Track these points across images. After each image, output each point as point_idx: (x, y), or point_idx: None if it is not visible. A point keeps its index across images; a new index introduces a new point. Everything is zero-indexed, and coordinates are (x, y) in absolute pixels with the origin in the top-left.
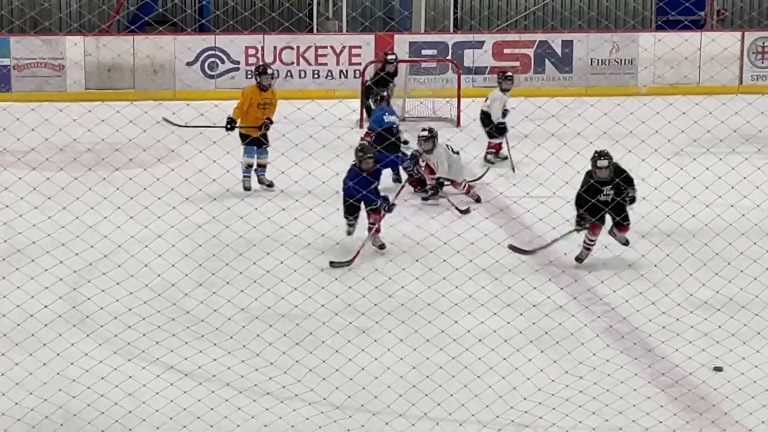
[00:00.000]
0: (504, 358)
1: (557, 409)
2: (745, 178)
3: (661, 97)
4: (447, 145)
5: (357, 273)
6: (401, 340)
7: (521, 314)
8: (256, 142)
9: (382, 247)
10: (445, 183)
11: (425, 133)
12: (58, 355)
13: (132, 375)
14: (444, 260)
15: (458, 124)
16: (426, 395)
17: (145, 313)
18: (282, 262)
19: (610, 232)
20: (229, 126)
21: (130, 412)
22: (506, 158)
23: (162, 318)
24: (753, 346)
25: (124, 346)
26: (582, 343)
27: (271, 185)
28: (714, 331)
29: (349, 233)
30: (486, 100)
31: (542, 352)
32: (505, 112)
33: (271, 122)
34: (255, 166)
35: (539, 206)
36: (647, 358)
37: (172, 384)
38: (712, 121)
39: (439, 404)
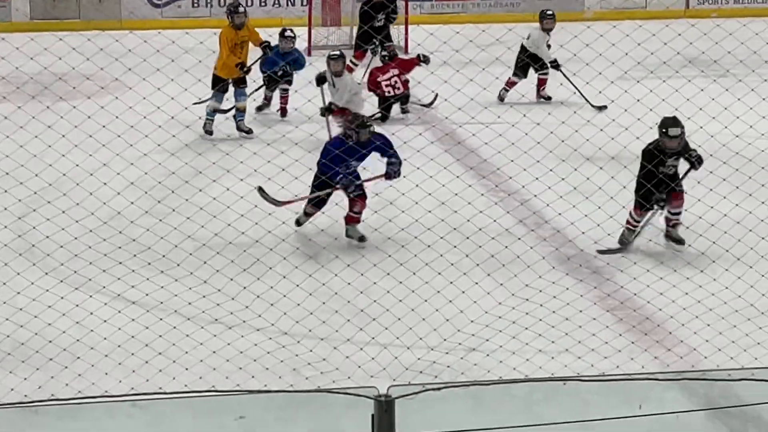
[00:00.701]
0: (451, 282)
1: (504, 331)
2: (688, 100)
3: (607, 21)
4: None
5: None
6: (348, 266)
7: (467, 238)
8: (239, 81)
9: (362, 239)
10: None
11: (336, 53)
12: (4, 284)
13: (79, 304)
14: (390, 185)
15: (406, 51)
16: (373, 320)
17: (91, 241)
18: (228, 189)
19: (666, 236)
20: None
21: (77, 340)
22: (550, 98)
23: (109, 246)
24: (697, 266)
25: (71, 275)
26: (528, 266)
27: (250, 132)
28: (658, 252)
29: (299, 223)
30: (527, 38)
31: (489, 275)
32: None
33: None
34: (233, 112)
35: (484, 130)
36: (593, 279)
37: (119, 312)
38: (657, 44)
39: (386, 329)
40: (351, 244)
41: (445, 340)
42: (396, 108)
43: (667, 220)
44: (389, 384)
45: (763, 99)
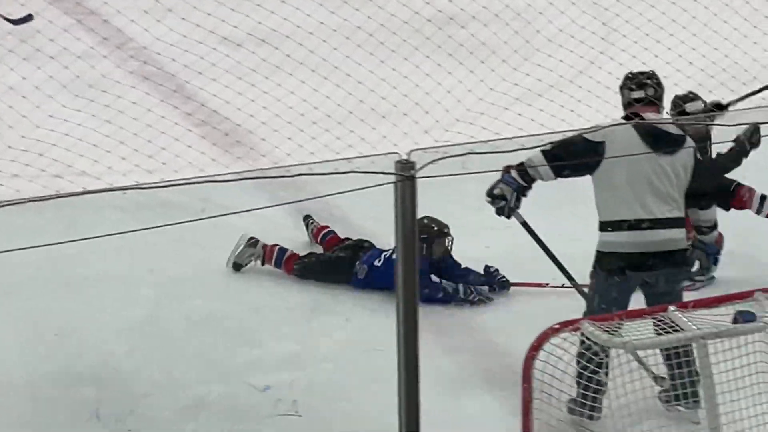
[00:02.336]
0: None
1: (87, 155)
2: None
3: None
4: None
5: None
6: None
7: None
8: None
9: None
10: None
11: None
12: None
13: None
14: None
15: None
16: None
17: None
18: None
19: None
20: None
21: None
22: None
23: None
24: (274, 79)
25: None
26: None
27: None
28: (237, 66)
29: None
30: None
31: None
32: None
33: None
34: None
35: None
36: (178, 98)
37: None
38: None
39: None
40: None
41: (27, 165)
42: None
43: None
44: None
45: None
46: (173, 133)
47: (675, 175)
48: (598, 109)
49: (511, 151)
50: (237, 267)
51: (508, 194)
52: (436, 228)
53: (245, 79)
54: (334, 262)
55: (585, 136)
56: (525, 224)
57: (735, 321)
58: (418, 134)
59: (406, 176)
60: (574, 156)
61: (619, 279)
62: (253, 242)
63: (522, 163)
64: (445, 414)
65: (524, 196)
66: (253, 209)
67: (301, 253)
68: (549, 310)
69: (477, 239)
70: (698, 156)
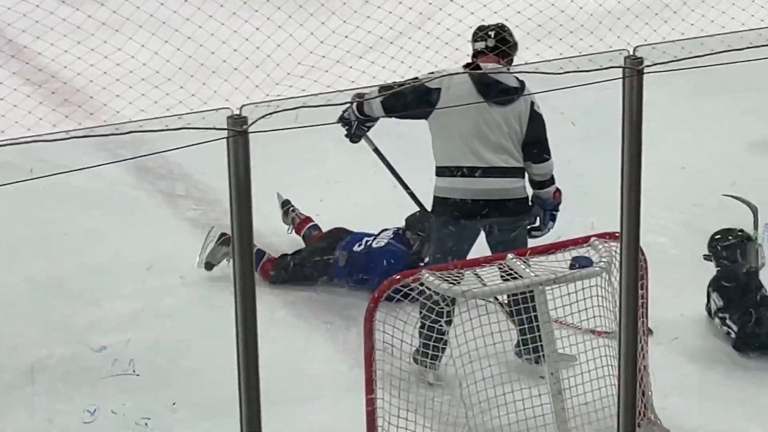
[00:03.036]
0: None
1: None
2: None
3: None
4: None
5: None
6: None
7: None
8: None
9: None
10: None
11: None
12: None
13: None
14: None
15: None
16: None
17: None
18: None
19: None
20: None
21: None
22: None
23: None
24: (101, 36)
25: None
26: None
27: None
28: (62, 24)
29: None
30: None
31: None
32: None
33: None
34: None
35: None
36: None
37: None
38: None
39: None
40: None
41: None
42: None
43: None
44: None
45: None
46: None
47: (507, 126)
48: (432, 62)
49: (343, 104)
50: (209, 267)
51: (352, 120)
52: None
53: (71, 37)
54: (313, 257)
55: (423, 81)
56: (376, 150)
57: (572, 267)
58: (249, 89)
59: (238, 131)
60: (408, 98)
61: (453, 227)
62: (225, 239)
63: (362, 95)
64: (287, 368)
65: (366, 127)
66: (87, 167)
67: (276, 256)
68: None
69: (311, 192)
70: (536, 108)
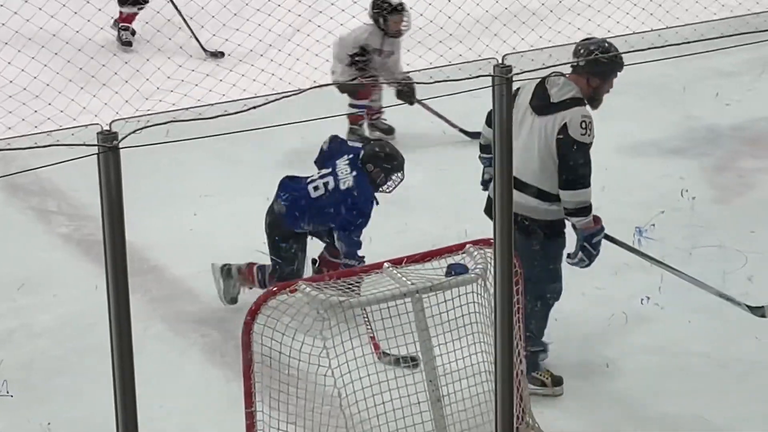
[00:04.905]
0: None
1: None
2: None
3: None
4: None
5: None
6: None
7: None
8: None
9: None
10: None
11: None
12: None
13: None
14: None
15: None
16: None
17: None
18: None
19: None
20: None
21: None
22: None
23: None
24: None
25: None
26: None
27: None
28: None
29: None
30: None
31: None
32: None
33: None
34: None
35: None
36: None
37: None
38: None
39: None
40: None
41: None
42: None
43: None
44: None
45: None
46: None
47: (541, 138)
48: (302, 74)
49: (213, 117)
50: (233, 301)
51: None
52: (396, 160)
53: None
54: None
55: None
56: None
57: (448, 274)
58: (118, 105)
59: (108, 147)
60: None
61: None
62: (226, 270)
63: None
64: (165, 384)
65: None
66: None
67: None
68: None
69: (183, 206)
70: (570, 131)
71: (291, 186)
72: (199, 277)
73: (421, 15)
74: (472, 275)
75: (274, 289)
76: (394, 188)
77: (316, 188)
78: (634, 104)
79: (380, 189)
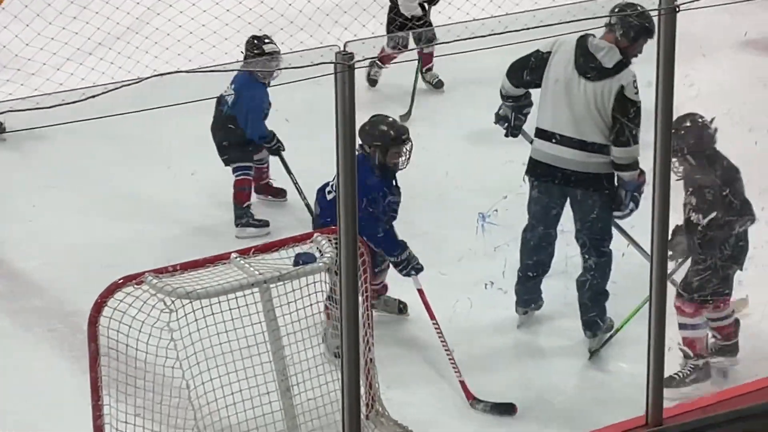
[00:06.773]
0: None
1: None
2: None
3: None
4: None
5: None
6: None
7: None
8: None
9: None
10: None
11: None
12: None
13: None
14: None
15: None
16: None
17: None
18: None
19: None
20: None
21: None
22: None
23: None
24: None
25: None
26: None
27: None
28: None
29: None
30: None
31: None
32: None
33: None
34: None
35: None
36: None
37: None
38: None
39: None
40: None
41: None
42: None
43: None
44: None
45: None
46: None
47: (592, 102)
48: (150, 66)
49: (78, 101)
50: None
51: (509, 113)
52: (392, 133)
53: None
54: None
55: (539, 48)
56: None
57: (296, 263)
58: None
59: None
60: (523, 67)
61: (539, 190)
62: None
63: None
64: (13, 380)
65: (523, 115)
66: None
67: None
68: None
69: (23, 198)
70: (627, 93)
71: (319, 196)
72: (43, 270)
73: (262, 2)
74: (320, 264)
75: (120, 281)
76: (406, 162)
77: (329, 192)
78: (478, 91)
79: (390, 169)
